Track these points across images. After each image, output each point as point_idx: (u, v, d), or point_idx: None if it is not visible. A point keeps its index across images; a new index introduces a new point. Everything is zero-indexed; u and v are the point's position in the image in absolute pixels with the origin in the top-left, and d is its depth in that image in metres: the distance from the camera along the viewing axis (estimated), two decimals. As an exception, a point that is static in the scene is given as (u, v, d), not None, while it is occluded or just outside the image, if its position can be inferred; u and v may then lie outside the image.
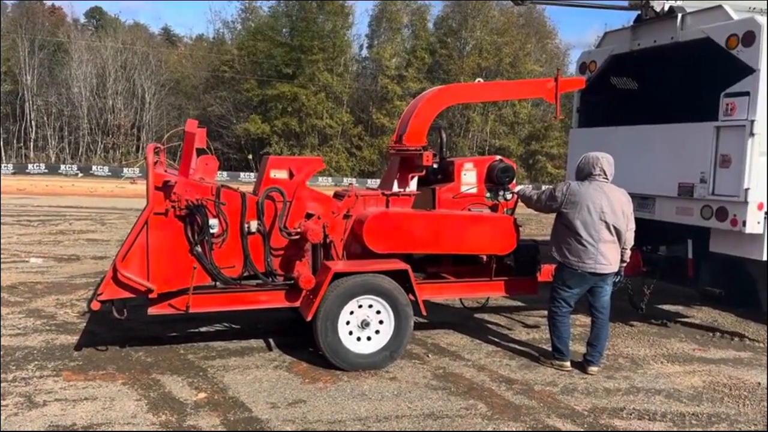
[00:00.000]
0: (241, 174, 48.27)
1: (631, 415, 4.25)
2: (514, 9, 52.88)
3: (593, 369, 5.05)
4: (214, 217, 4.80)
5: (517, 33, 56.57)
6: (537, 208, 5.42)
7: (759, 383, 4.97)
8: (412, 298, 5.05)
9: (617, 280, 5.20)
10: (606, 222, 4.88)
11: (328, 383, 4.61)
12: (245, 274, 5.03)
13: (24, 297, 7.07)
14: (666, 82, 7.07)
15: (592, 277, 4.97)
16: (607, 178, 5.01)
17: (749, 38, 5.68)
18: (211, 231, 4.77)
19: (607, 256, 4.92)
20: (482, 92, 7.35)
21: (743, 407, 4.47)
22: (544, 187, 5.98)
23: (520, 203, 5.75)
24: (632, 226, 5.07)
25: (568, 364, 5.13)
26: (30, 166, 47.86)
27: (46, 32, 53.72)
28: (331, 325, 4.78)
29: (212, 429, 3.82)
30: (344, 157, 53.64)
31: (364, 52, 59.13)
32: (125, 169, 47.48)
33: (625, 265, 5.18)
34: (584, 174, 5.06)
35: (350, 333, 4.88)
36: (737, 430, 4.11)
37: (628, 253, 5.14)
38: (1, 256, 9.62)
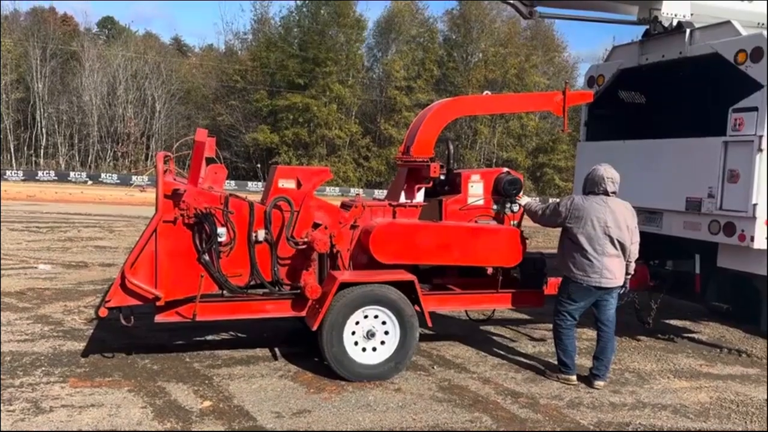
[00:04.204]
0: (250, 183, 48.54)
1: (637, 430, 4.23)
2: (521, 22, 53.18)
3: (599, 383, 5.03)
4: (222, 225, 4.83)
5: (522, 44, 56.86)
6: (542, 223, 5.43)
7: (767, 399, 4.93)
8: (418, 309, 5.05)
9: (622, 291, 5.19)
10: (610, 236, 4.88)
11: (333, 393, 4.61)
12: (252, 283, 5.04)
13: (32, 303, 7.11)
14: (674, 96, 7.08)
15: (597, 291, 4.97)
16: (615, 192, 5.01)
17: (758, 54, 5.69)
18: (219, 239, 4.80)
19: (612, 270, 4.92)
20: (490, 105, 7.38)
21: (750, 424, 4.44)
22: (551, 200, 5.97)
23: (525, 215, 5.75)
24: (637, 239, 5.07)
25: (573, 377, 5.11)
26: (40, 173, 48.31)
27: (58, 41, 54.30)
28: (336, 335, 4.79)
29: (217, 437, 3.83)
30: (352, 168, 53.83)
31: (374, 64, 59.58)
32: (134, 177, 47.77)
33: (630, 277, 5.17)
34: (590, 187, 5.07)
35: (356, 343, 4.88)
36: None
37: (633, 265, 5.13)
38: (10, 262, 9.69)
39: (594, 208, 4.92)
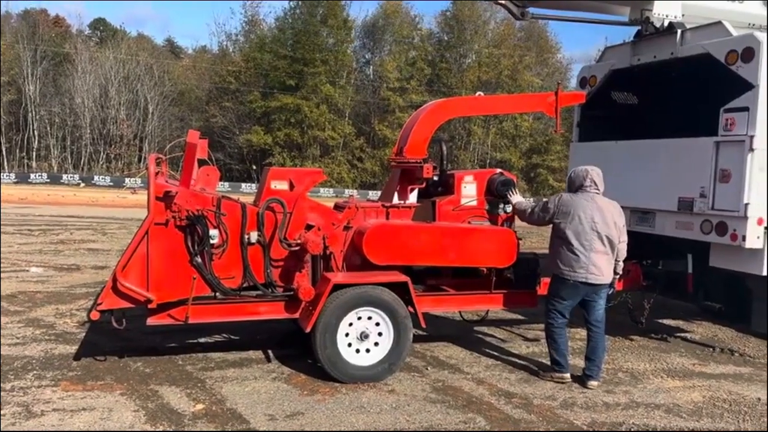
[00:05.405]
0: (243, 185, 48.41)
1: (630, 429, 4.24)
2: (515, 23, 53.34)
3: (593, 383, 5.04)
4: (215, 227, 4.81)
5: (516, 46, 57.06)
6: (531, 221, 5.44)
7: (759, 399, 4.95)
8: (412, 310, 5.04)
9: (610, 292, 5.22)
10: (598, 232, 4.91)
11: (327, 395, 4.60)
12: (245, 285, 5.02)
13: (24, 306, 7.06)
14: (666, 96, 7.10)
15: (584, 287, 4.99)
16: (598, 190, 5.06)
17: (748, 54, 5.72)
18: (212, 241, 4.78)
19: (600, 267, 4.94)
20: (483, 106, 7.39)
21: (743, 423, 4.45)
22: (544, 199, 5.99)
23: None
24: (624, 238, 5.11)
25: (568, 376, 5.13)
26: (32, 175, 48.06)
27: (50, 42, 54.05)
28: (330, 337, 4.77)
29: (210, 440, 3.81)
30: (346, 169, 53.81)
31: (365, 65, 59.67)
32: (127, 179, 47.62)
33: (617, 277, 5.21)
34: (576, 186, 5.11)
35: (349, 345, 4.87)
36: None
37: (621, 265, 5.18)
38: (2, 265, 9.62)
39: (581, 204, 4.97)
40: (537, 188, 56.51)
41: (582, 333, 6.29)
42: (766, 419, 4.53)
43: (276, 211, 5.04)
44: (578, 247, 4.92)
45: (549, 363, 5.29)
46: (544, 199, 5.43)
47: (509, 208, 5.68)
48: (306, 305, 4.97)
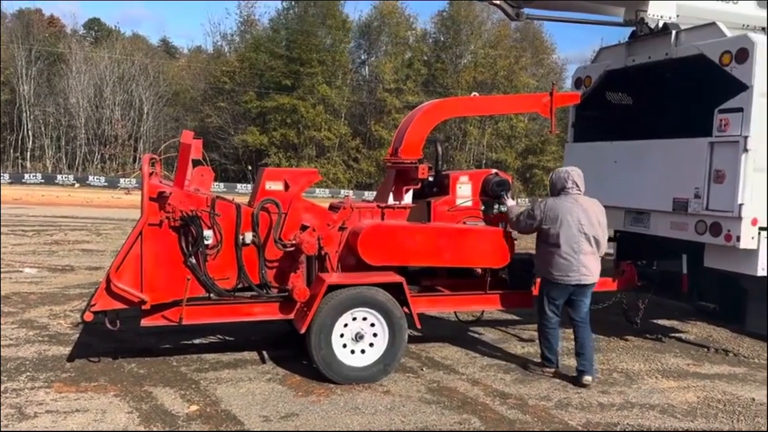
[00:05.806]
0: (238, 185, 48.33)
1: (625, 430, 4.24)
2: (510, 24, 53.40)
3: (587, 378, 5.06)
4: (209, 228, 4.79)
5: (512, 47, 57.15)
6: (519, 229, 5.48)
7: (753, 399, 4.97)
8: (407, 310, 5.04)
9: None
10: (585, 234, 5.00)
11: (322, 396, 4.59)
12: (239, 286, 5.01)
13: (17, 307, 7.02)
14: (661, 97, 7.11)
15: (575, 288, 5.08)
16: (580, 191, 5.12)
17: (743, 55, 5.73)
18: (206, 242, 4.76)
19: (589, 267, 5.04)
20: (478, 106, 7.40)
21: (737, 423, 4.46)
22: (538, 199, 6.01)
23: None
24: (606, 234, 5.21)
25: (552, 370, 5.30)
26: (26, 175, 47.87)
27: (45, 42, 53.84)
28: (324, 338, 4.76)
29: (204, 442, 3.79)
30: (341, 169, 53.75)
31: (361, 66, 59.63)
32: (121, 180, 47.49)
33: None
34: (558, 189, 5.17)
35: (344, 346, 4.87)
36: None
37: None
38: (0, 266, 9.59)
39: (567, 208, 5.03)
40: (533, 188, 56.59)
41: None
42: (762, 419, 4.54)
43: (271, 212, 5.02)
44: (569, 252, 4.99)
45: (539, 360, 5.40)
46: (522, 209, 5.45)
47: (504, 209, 5.68)
48: (301, 306, 4.95)
